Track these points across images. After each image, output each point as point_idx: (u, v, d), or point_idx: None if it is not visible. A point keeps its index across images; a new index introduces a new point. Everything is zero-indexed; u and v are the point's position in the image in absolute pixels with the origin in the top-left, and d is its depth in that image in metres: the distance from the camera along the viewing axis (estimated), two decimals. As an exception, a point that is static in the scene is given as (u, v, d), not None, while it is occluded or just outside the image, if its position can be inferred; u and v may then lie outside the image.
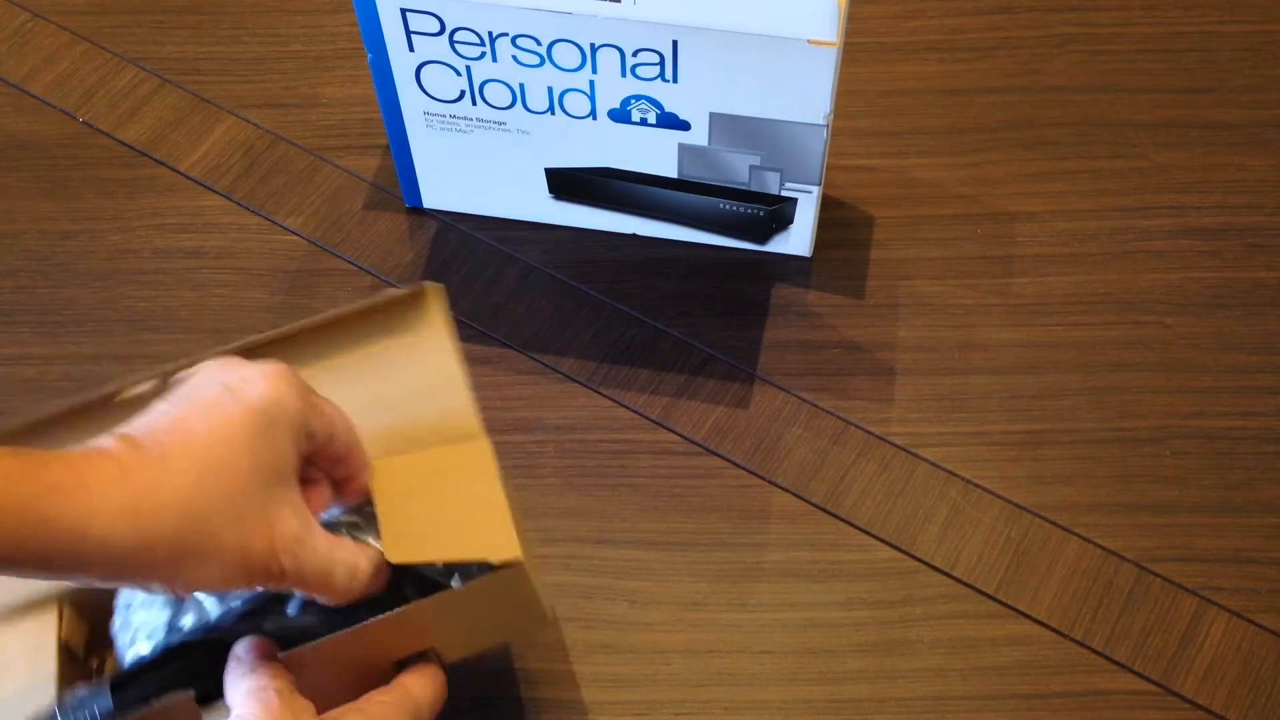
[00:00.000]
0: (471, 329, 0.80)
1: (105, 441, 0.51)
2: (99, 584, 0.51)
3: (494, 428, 0.76)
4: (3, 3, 0.94)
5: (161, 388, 0.61)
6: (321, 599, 0.55)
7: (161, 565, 0.50)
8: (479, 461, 0.62)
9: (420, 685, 0.58)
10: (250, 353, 0.62)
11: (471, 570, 0.58)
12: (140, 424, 0.52)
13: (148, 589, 0.52)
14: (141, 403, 0.61)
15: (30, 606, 0.61)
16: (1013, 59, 0.91)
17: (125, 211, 0.85)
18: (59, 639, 0.60)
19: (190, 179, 0.86)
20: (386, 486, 0.59)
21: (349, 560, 0.55)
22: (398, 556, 0.57)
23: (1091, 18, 0.92)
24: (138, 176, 0.86)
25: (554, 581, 0.71)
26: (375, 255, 0.83)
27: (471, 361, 0.78)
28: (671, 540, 0.72)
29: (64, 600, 0.61)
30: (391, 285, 0.81)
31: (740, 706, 0.68)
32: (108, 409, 0.61)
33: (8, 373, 0.78)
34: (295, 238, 0.84)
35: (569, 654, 0.69)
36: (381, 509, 0.58)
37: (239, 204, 0.85)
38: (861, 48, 0.90)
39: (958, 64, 0.90)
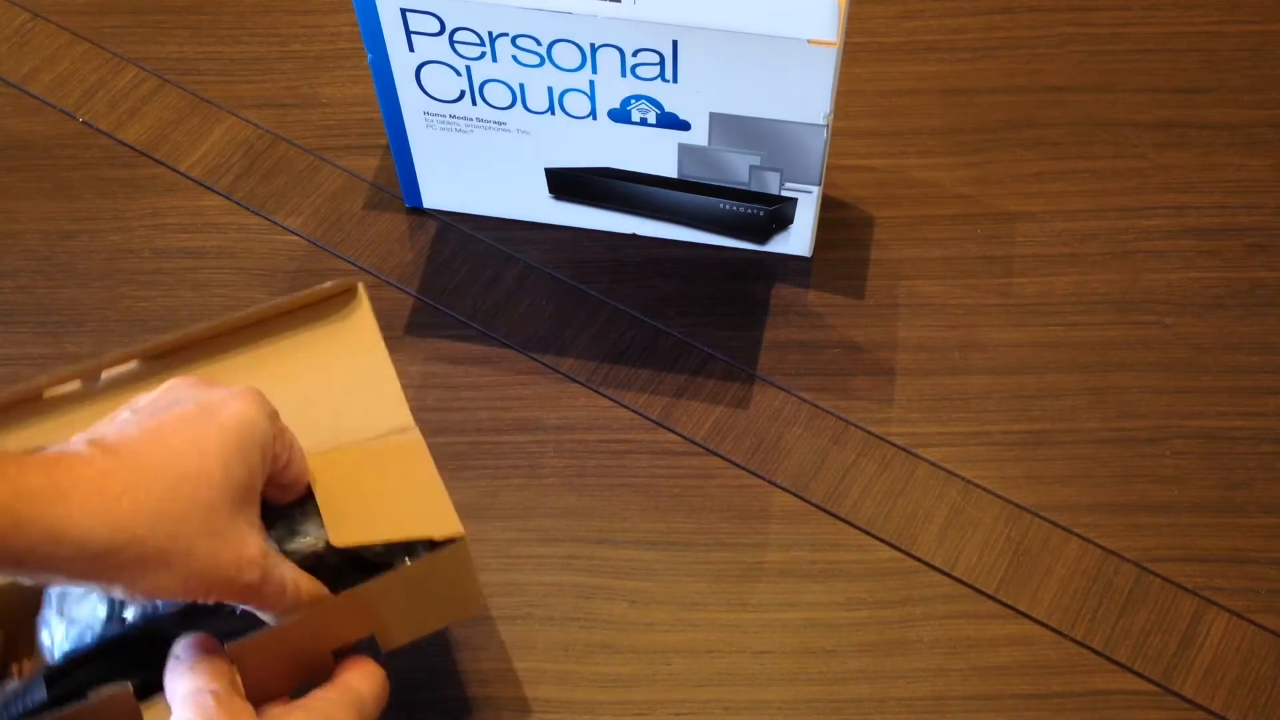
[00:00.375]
0: (471, 329, 0.80)
1: (79, 446, 0.51)
2: (61, 584, 0.51)
3: (494, 428, 0.76)
4: (3, 3, 0.94)
5: (87, 389, 0.62)
6: (264, 613, 0.56)
7: (128, 567, 0.50)
8: (413, 451, 0.63)
9: (362, 679, 0.58)
10: (185, 347, 0.64)
11: (415, 551, 0.59)
12: (111, 431, 0.53)
13: (109, 591, 0.52)
14: (67, 403, 0.62)
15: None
16: (1013, 59, 0.91)
17: (125, 211, 0.85)
18: None
19: (190, 179, 0.86)
20: (324, 477, 0.60)
21: (294, 575, 0.56)
22: (341, 540, 0.57)
23: (1091, 18, 0.92)
24: (138, 176, 0.86)
25: (554, 581, 0.71)
26: (375, 255, 0.83)
27: (471, 361, 0.79)
28: (671, 540, 0.72)
29: None
30: (392, 285, 0.81)
31: (740, 706, 0.68)
32: (35, 406, 0.62)
33: (8, 373, 0.78)
34: (295, 238, 0.83)
35: (569, 654, 0.69)
36: (321, 499, 0.59)
37: (239, 204, 0.85)
38: (861, 48, 0.90)
39: (958, 64, 0.90)
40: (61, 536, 0.48)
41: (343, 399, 0.65)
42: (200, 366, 0.64)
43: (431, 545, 0.59)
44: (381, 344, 0.65)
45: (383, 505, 0.61)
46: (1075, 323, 0.79)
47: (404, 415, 0.64)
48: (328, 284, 0.65)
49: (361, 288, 0.66)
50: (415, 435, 0.64)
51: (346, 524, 0.58)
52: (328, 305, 0.65)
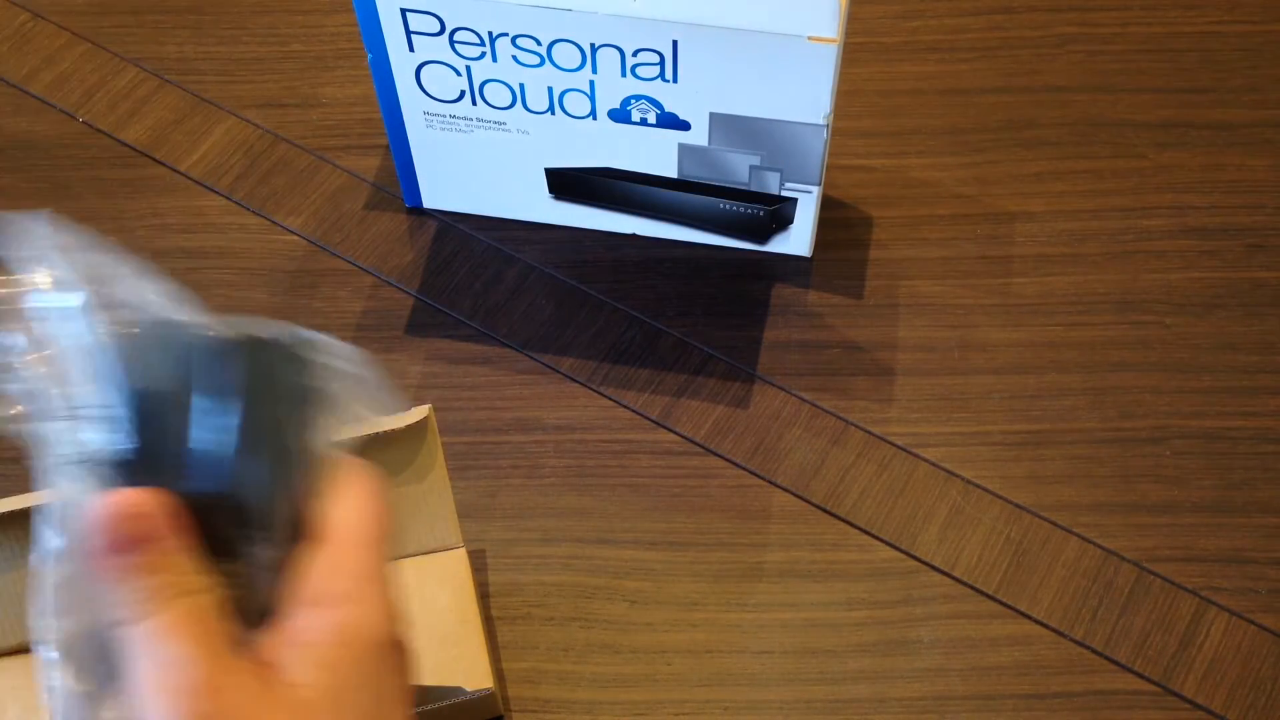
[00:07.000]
0: (471, 329, 0.80)
1: None
2: None
3: (494, 427, 0.76)
4: (3, 3, 0.94)
5: None
6: None
7: None
8: (455, 573, 0.67)
9: (357, 517, 0.42)
10: None
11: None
12: None
13: None
14: None
15: (20, 650, 0.63)
16: (1013, 59, 0.91)
17: (125, 211, 0.85)
18: None
19: (190, 179, 0.86)
20: None
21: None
22: None
23: (1091, 18, 0.92)
24: (138, 176, 0.86)
25: (554, 581, 0.71)
26: (375, 255, 0.83)
27: (471, 361, 0.79)
28: (671, 540, 0.72)
29: None
30: (392, 285, 0.81)
31: (740, 706, 0.68)
32: None
33: (8, 373, 0.78)
34: (295, 238, 0.84)
35: (569, 654, 0.69)
36: None
37: (239, 204, 0.85)
38: (861, 48, 0.90)
39: (958, 64, 0.90)
40: None
41: (403, 520, 0.67)
42: None
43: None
44: (443, 465, 0.66)
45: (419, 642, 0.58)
46: (1075, 323, 0.79)
47: (453, 533, 0.68)
48: (402, 414, 0.64)
49: (430, 413, 0.65)
50: (461, 553, 0.68)
51: None
52: (398, 440, 0.65)
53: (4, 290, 0.41)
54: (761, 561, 0.72)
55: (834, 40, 0.69)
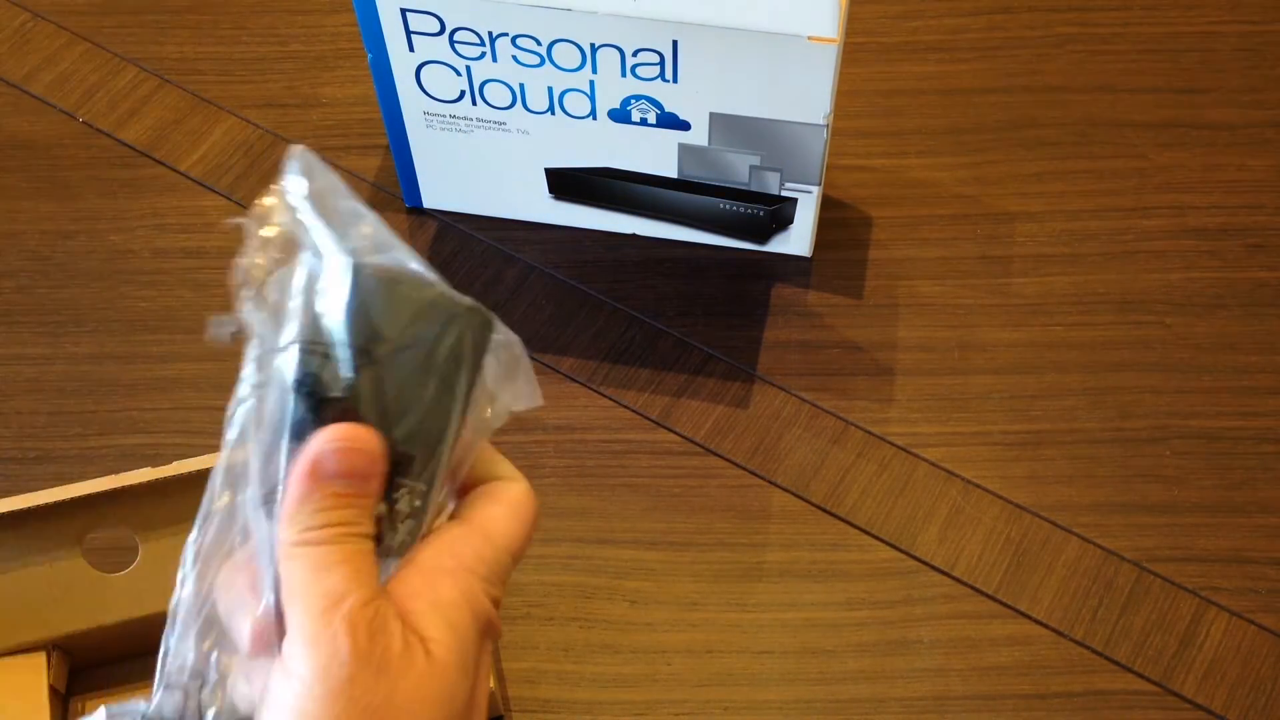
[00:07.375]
0: (471, 329, 0.80)
1: None
2: None
3: (494, 428, 0.76)
4: (3, 3, 0.94)
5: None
6: None
7: None
8: None
9: (502, 520, 0.45)
10: None
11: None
12: None
13: None
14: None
15: (20, 650, 0.63)
16: (1013, 59, 0.91)
17: (125, 211, 0.85)
18: (48, 682, 0.62)
19: (190, 179, 0.86)
20: None
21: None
22: None
23: (1091, 18, 0.92)
24: (138, 176, 0.86)
25: (554, 581, 0.71)
26: (375, 255, 0.82)
27: (471, 361, 0.79)
28: (671, 540, 0.72)
29: (51, 644, 0.64)
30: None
31: (740, 706, 0.68)
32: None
33: (8, 373, 0.78)
34: (295, 238, 0.83)
35: (569, 654, 0.69)
36: None
37: (239, 204, 0.85)
38: (861, 48, 0.90)
39: (958, 64, 0.90)
40: None
41: None
42: None
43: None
44: None
45: None
46: (1075, 323, 0.79)
47: None
48: None
49: None
50: None
51: None
52: None
53: (252, 214, 0.43)
54: (761, 561, 0.72)
55: (834, 40, 0.69)
